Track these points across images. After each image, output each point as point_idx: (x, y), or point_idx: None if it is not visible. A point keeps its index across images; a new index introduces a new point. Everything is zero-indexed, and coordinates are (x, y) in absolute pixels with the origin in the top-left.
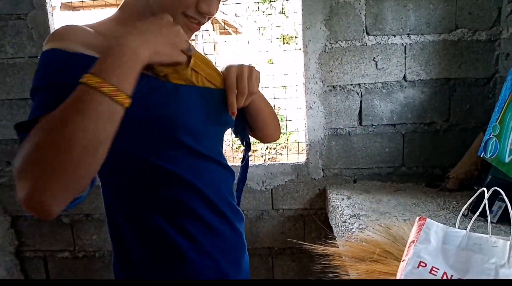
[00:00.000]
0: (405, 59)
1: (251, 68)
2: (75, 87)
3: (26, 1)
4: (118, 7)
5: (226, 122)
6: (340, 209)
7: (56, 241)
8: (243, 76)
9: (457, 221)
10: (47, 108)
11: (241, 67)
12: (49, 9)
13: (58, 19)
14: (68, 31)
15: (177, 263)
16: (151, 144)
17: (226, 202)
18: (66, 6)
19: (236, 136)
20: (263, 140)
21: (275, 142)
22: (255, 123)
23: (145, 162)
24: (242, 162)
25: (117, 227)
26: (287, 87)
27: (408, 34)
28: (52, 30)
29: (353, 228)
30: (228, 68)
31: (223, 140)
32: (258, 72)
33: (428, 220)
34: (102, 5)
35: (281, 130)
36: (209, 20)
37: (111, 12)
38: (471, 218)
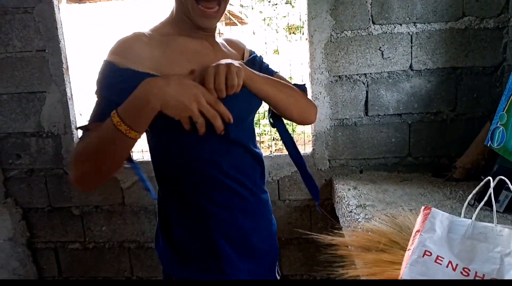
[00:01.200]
0: (411, 48)
1: (229, 64)
2: (117, 103)
3: None
4: (172, 11)
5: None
6: (346, 200)
7: (66, 232)
8: (220, 73)
9: (463, 210)
10: (97, 117)
11: (218, 65)
12: (55, 2)
13: (64, 12)
14: (125, 46)
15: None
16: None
17: (251, 179)
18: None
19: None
20: (297, 123)
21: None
22: (276, 109)
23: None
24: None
25: (162, 202)
26: (293, 78)
27: (414, 22)
28: (58, 23)
29: (359, 218)
30: (206, 67)
31: (251, 127)
32: (238, 67)
33: (433, 209)
34: None
35: (314, 112)
36: (226, 2)
37: (116, 5)
38: (477, 208)
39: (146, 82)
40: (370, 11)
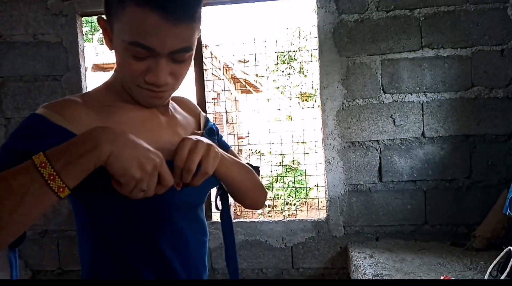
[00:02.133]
0: (422, 116)
1: (209, 146)
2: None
3: (62, 63)
4: (111, 76)
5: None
6: (362, 268)
7: None
8: (196, 153)
9: None
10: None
11: (197, 142)
12: (82, 71)
13: (89, 79)
14: (61, 103)
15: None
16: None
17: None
18: (97, 67)
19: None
20: (246, 207)
21: (261, 207)
22: (232, 193)
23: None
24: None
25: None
26: (306, 143)
27: (424, 92)
28: (84, 90)
29: None
30: (183, 140)
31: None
32: (217, 153)
33: (453, 279)
34: None
35: (266, 198)
36: (177, 85)
37: None
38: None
39: (101, 126)
40: (380, 81)
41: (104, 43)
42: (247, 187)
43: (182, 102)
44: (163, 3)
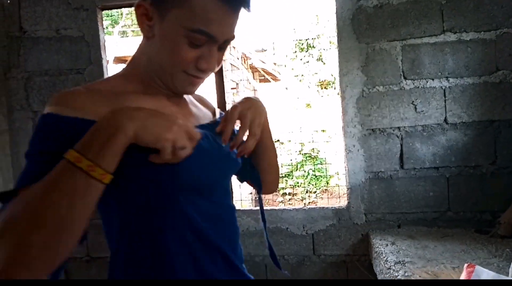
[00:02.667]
0: (445, 102)
1: (260, 105)
2: (61, 155)
3: (84, 57)
4: (127, 63)
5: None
6: (384, 255)
7: None
8: (250, 114)
9: (511, 269)
10: (29, 179)
11: (251, 99)
12: (104, 64)
13: (111, 72)
14: (66, 95)
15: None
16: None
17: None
18: (118, 60)
19: (242, 181)
20: (266, 188)
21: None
22: (259, 164)
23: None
24: (260, 208)
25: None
26: (326, 131)
27: (446, 77)
28: None
29: (398, 275)
30: (237, 104)
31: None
32: (265, 113)
33: (477, 267)
34: None
35: (279, 185)
36: (214, 71)
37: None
38: None
39: (113, 109)
40: (401, 67)
41: (141, 29)
42: (274, 159)
43: (200, 98)
44: None
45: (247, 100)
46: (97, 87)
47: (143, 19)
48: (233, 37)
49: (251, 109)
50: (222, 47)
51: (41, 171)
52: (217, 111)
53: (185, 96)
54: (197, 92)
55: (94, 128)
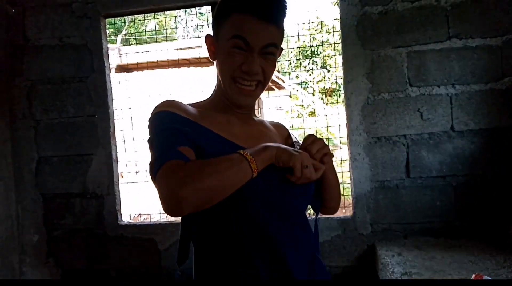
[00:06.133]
0: (451, 109)
1: (326, 146)
2: (186, 134)
3: (87, 65)
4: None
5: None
6: (390, 267)
7: None
8: (322, 149)
9: None
10: (176, 143)
11: (319, 140)
12: (107, 72)
13: (113, 80)
14: (174, 102)
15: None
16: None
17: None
18: (120, 68)
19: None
20: (323, 212)
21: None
22: (323, 194)
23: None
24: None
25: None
26: (331, 139)
27: (453, 84)
28: (109, 91)
29: None
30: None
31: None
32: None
33: (485, 277)
34: (154, 66)
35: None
36: (264, 83)
37: (161, 73)
38: None
39: (266, 145)
40: (406, 74)
41: (209, 56)
42: (336, 189)
43: (274, 122)
44: (259, 10)
45: (321, 140)
46: (191, 104)
47: (210, 48)
48: (271, 44)
49: (325, 148)
50: (263, 55)
51: (180, 140)
52: (291, 134)
53: (257, 119)
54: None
55: (259, 148)
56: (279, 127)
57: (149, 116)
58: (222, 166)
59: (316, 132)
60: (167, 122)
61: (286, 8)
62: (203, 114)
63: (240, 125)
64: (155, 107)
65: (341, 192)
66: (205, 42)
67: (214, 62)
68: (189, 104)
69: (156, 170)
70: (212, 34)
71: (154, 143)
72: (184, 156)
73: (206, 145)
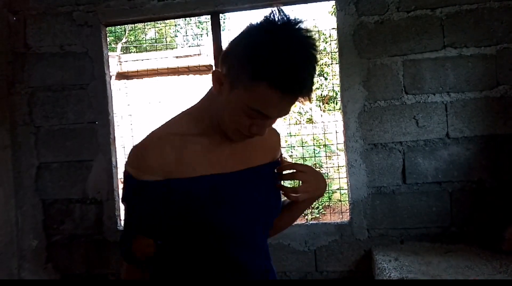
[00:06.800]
0: (446, 116)
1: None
2: (150, 214)
3: (87, 72)
4: (193, 105)
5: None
6: (387, 271)
7: None
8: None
9: None
10: (133, 233)
11: (319, 176)
12: (107, 79)
13: (113, 87)
14: (139, 158)
15: None
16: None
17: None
18: (120, 75)
19: None
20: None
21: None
22: (283, 224)
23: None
24: None
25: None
26: (328, 146)
27: (448, 92)
28: (109, 98)
29: None
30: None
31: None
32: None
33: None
34: (154, 74)
35: None
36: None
37: (161, 81)
38: None
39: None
40: (402, 82)
41: (213, 86)
42: (294, 221)
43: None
44: (293, 89)
45: (318, 174)
46: (166, 132)
47: (216, 82)
48: (288, 114)
49: (319, 184)
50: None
51: (141, 225)
52: (279, 137)
53: None
54: None
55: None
56: (272, 133)
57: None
58: None
59: (314, 139)
60: (128, 196)
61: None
62: (179, 149)
63: (225, 145)
64: (128, 158)
65: (339, 197)
66: (212, 74)
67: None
68: (171, 125)
69: (121, 254)
70: (223, 65)
71: (124, 213)
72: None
73: (174, 200)
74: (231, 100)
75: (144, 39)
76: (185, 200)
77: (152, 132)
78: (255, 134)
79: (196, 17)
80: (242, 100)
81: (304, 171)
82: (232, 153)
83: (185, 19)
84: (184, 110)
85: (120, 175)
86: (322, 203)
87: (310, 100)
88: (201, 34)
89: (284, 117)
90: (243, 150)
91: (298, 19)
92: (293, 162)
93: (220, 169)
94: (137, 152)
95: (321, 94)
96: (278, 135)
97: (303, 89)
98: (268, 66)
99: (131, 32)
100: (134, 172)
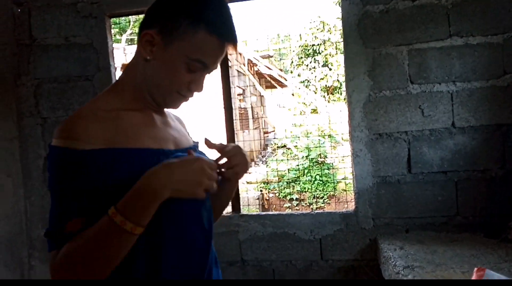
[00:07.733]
0: (452, 106)
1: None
2: (89, 189)
3: (93, 64)
4: (113, 83)
5: None
6: (392, 260)
7: None
8: (244, 160)
9: None
10: (68, 216)
11: (243, 152)
12: (112, 70)
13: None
14: (68, 128)
15: None
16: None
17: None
18: (125, 67)
19: None
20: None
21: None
22: (220, 207)
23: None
24: None
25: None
26: (333, 136)
27: (453, 81)
28: None
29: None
30: (235, 146)
31: None
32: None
33: (487, 271)
34: None
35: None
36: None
37: None
38: None
39: (149, 174)
40: (407, 72)
41: (141, 52)
42: (225, 207)
43: (176, 117)
44: (228, 34)
45: (243, 151)
46: (92, 108)
47: (147, 45)
48: (217, 67)
49: (245, 160)
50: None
51: (79, 208)
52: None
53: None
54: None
55: (134, 193)
56: (181, 121)
57: (51, 143)
58: (93, 244)
59: (318, 129)
60: (61, 175)
61: None
62: (116, 121)
63: (159, 122)
64: (55, 134)
65: (344, 187)
66: (142, 37)
67: (144, 58)
68: (97, 102)
69: (49, 248)
70: (151, 27)
71: (51, 197)
72: (69, 237)
73: (118, 169)
74: (167, 59)
75: None
76: (130, 169)
77: (80, 109)
78: (194, 91)
79: None
80: (182, 52)
81: (235, 154)
82: (166, 132)
83: None
84: (105, 90)
85: None
86: (327, 193)
87: (236, 50)
88: None
89: (214, 70)
90: (172, 131)
91: None
92: (217, 144)
93: (160, 145)
94: (73, 123)
95: (326, 84)
96: (184, 124)
97: (235, 37)
98: (206, 12)
99: (136, 23)
100: (72, 143)
